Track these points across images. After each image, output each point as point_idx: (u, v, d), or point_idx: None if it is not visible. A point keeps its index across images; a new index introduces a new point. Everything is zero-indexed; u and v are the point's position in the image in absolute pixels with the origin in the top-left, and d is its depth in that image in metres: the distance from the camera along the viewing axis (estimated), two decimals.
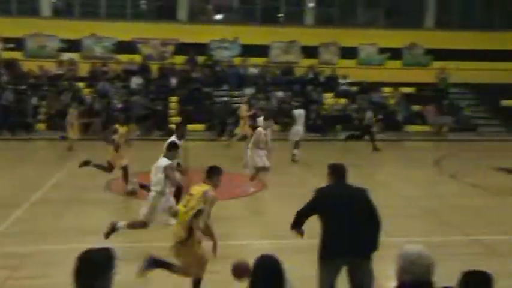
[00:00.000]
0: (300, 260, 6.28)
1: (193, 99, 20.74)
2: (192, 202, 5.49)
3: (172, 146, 7.74)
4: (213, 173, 5.74)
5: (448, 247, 7.87)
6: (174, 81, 21.82)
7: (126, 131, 11.07)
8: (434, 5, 24.29)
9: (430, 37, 23.83)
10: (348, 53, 23.76)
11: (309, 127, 18.08)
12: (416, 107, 22.35)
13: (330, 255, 4.94)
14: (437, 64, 23.58)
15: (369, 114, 17.51)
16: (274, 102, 21.00)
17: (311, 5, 23.85)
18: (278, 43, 23.59)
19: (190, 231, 5.42)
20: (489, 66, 23.23)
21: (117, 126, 10.99)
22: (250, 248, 7.47)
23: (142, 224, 7.20)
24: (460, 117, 22.17)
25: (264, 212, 10.17)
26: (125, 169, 10.50)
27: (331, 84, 22.79)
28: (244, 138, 15.13)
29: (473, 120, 22.19)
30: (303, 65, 23.40)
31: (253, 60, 22.88)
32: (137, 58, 22.52)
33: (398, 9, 24.86)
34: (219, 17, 25.12)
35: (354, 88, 22.65)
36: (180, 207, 5.75)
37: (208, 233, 5.63)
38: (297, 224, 5.26)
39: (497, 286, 3.37)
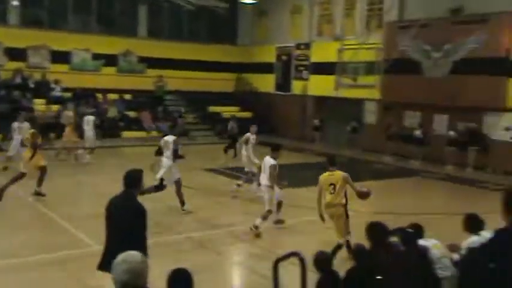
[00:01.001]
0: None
1: None
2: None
3: (276, 148, 9.44)
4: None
5: (163, 246, 8.22)
6: None
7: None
8: (146, 15, 25.16)
9: (144, 46, 24.59)
10: (60, 57, 22.64)
11: None
12: (133, 114, 22.77)
13: (98, 267, 4.85)
14: (152, 72, 24.47)
15: (232, 123, 18.47)
16: None
17: (15, 3, 21.87)
18: None
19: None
20: (198, 76, 25.32)
21: (32, 130, 11.49)
22: None
23: (270, 212, 9.18)
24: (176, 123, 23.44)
25: None
26: (43, 169, 10.96)
27: (42, 89, 21.33)
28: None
29: (186, 126, 23.75)
30: (8, 68, 21.30)
31: None
32: None
33: (111, 17, 24.86)
34: None
35: (68, 94, 21.72)
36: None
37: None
38: None
39: (200, 277, 3.62)
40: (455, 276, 5.08)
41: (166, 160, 10.50)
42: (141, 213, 4.81)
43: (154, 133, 21.93)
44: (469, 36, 17.18)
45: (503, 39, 16.54)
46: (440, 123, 18.88)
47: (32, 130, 11.50)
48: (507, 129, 16.90)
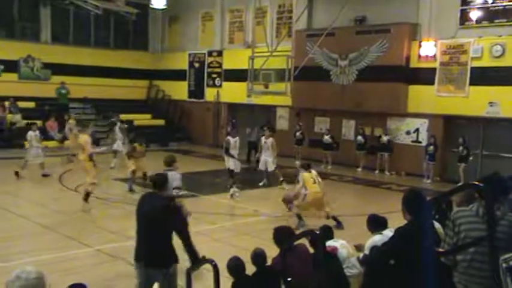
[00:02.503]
0: None
1: None
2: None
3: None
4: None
5: (76, 260, 7.93)
6: None
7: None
8: (50, 18, 23.99)
9: (48, 51, 23.43)
10: None
11: None
12: (38, 122, 21.54)
13: (134, 258, 5.45)
14: (57, 79, 23.36)
15: (249, 130, 19.43)
16: None
17: None
18: None
19: None
20: (108, 83, 24.56)
21: (136, 144, 14.13)
22: None
23: None
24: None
25: None
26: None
27: None
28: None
29: (97, 135, 22.87)
30: None
31: None
32: None
33: (9, 20, 23.38)
34: None
35: None
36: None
37: None
38: None
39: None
40: (361, 274, 5.33)
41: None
42: (167, 211, 5.32)
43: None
44: (372, 45, 18.15)
45: (403, 48, 17.64)
46: (348, 129, 19.74)
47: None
48: (408, 133, 18.00)
